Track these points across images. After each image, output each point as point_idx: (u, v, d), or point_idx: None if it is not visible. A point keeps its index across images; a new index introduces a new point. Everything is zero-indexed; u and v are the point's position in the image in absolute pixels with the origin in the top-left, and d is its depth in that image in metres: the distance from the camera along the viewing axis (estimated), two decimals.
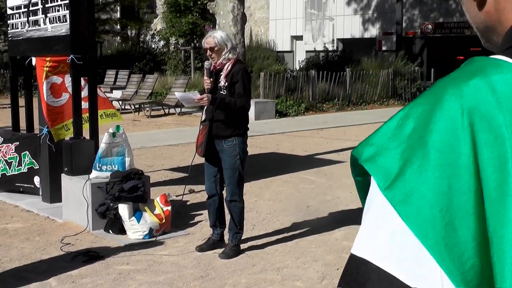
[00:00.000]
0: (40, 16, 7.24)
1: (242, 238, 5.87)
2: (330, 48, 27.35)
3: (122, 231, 6.19)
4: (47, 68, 7.09)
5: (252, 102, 16.83)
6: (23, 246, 5.95)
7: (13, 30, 7.78)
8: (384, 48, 29.26)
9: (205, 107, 5.60)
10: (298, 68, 24.95)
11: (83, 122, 7.03)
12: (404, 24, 28.63)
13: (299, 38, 32.52)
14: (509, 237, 0.74)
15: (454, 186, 0.76)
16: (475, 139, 0.77)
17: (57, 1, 6.92)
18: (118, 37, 32.61)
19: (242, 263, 5.49)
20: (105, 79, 21.81)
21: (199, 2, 26.51)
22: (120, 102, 18.56)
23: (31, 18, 7.41)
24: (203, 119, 5.66)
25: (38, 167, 7.58)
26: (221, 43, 5.48)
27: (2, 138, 7.92)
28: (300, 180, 8.94)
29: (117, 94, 19.92)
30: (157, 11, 36.71)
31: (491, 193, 0.75)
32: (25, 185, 7.72)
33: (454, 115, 0.78)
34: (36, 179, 7.63)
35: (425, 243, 0.75)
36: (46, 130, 7.22)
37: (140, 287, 4.96)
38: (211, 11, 18.15)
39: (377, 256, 0.78)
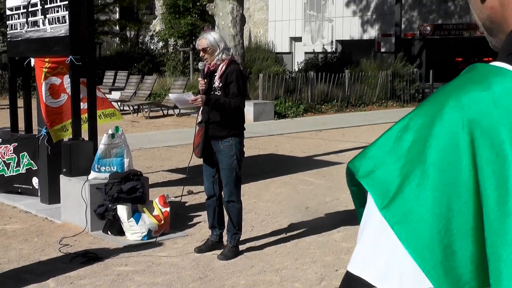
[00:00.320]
0: (39, 17, 7.24)
1: (241, 239, 5.87)
2: (329, 50, 27.37)
3: (120, 232, 6.18)
4: (46, 69, 7.08)
5: (251, 103, 16.85)
6: (22, 247, 5.95)
7: (12, 31, 7.77)
8: (383, 50, 29.28)
9: (201, 109, 5.61)
10: (297, 69, 24.97)
11: (81, 123, 7.02)
12: (403, 26, 28.66)
13: (298, 39, 32.53)
14: (507, 258, 0.71)
15: (453, 206, 0.74)
16: (475, 156, 0.74)
17: (56, 2, 6.92)
18: (117, 38, 32.60)
19: (241, 264, 5.49)
20: (104, 80, 21.81)
21: (198, 3, 26.54)
22: (119, 103, 18.54)
23: (30, 18, 7.41)
24: (199, 120, 5.67)
25: (36, 168, 7.57)
26: (214, 44, 5.50)
27: (1, 139, 7.91)
28: (299, 181, 8.94)
29: (115, 95, 19.91)
30: (156, 12, 36.72)
31: (491, 212, 0.73)
32: (24, 186, 7.71)
33: (454, 129, 0.76)
34: (35, 180, 7.62)
35: (422, 267, 0.73)
36: (45, 131, 7.21)
37: None
38: (210, 12, 18.16)
39: (375, 277, 0.76)
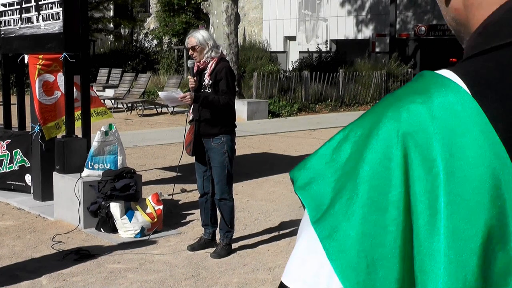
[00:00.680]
0: (33, 14, 7.22)
1: (234, 237, 5.88)
2: (324, 49, 27.38)
3: (113, 229, 6.18)
4: (40, 66, 7.07)
5: (245, 102, 16.85)
6: (14, 244, 5.93)
7: (5, 27, 7.75)
8: (377, 50, 29.31)
9: (192, 107, 5.64)
10: (291, 68, 24.97)
11: (75, 121, 7.01)
12: (397, 26, 28.71)
13: (293, 38, 32.54)
14: (435, 277, 0.70)
15: (380, 224, 0.72)
16: (408, 172, 0.72)
17: None
18: (111, 36, 32.54)
19: (234, 263, 5.49)
20: (98, 78, 21.76)
21: (192, 2, 26.52)
22: (113, 101, 18.52)
23: (24, 15, 7.38)
24: (190, 118, 5.69)
25: (29, 165, 7.55)
26: (202, 42, 5.53)
27: None
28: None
29: (109, 92, 19.88)
30: (150, 10, 36.67)
31: (420, 231, 0.71)
32: (16, 183, 7.69)
33: (388, 143, 0.73)
34: (28, 177, 7.60)
35: (344, 284, 0.72)
36: (38, 128, 7.19)
37: (131, 286, 4.95)
38: (204, 11, 18.16)
39: None
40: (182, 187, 8.13)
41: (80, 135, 6.95)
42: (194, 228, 6.48)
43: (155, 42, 29.57)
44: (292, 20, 32.43)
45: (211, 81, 5.52)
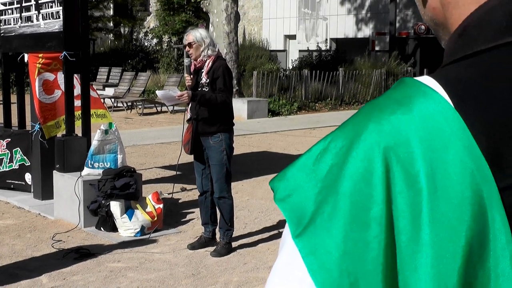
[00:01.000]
0: (33, 12, 7.22)
1: (234, 236, 5.88)
2: (323, 48, 27.37)
3: (113, 228, 6.18)
4: (40, 65, 7.07)
5: (245, 100, 16.85)
6: (14, 243, 5.93)
7: (5, 26, 7.75)
8: (377, 48, 29.29)
9: (189, 106, 5.66)
10: (291, 67, 24.96)
11: (75, 120, 7.01)
12: (397, 25, 28.69)
13: (293, 37, 32.53)
14: None
15: (363, 241, 0.70)
16: (390, 187, 0.71)
17: None
18: (111, 35, 32.52)
19: (234, 261, 5.50)
20: (98, 77, 21.76)
21: (192, 1, 26.51)
22: (113, 100, 18.52)
23: (24, 14, 7.38)
24: (188, 117, 5.71)
25: (29, 164, 7.55)
26: (199, 40, 5.56)
27: None
28: None
29: (109, 91, 19.87)
30: (150, 9, 36.64)
31: (403, 247, 0.70)
32: (16, 182, 7.69)
33: (370, 157, 0.72)
34: (27, 176, 7.60)
35: None
36: (38, 126, 7.19)
37: (132, 284, 4.95)
38: (204, 10, 18.16)
39: None
40: (182, 186, 8.13)
41: (80, 134, 6.95)
42: (194, 227, 6.48)
43: (155, 41, 29.56)
44: (292, 19, 32.41)
45: (208, 80, 5.54)
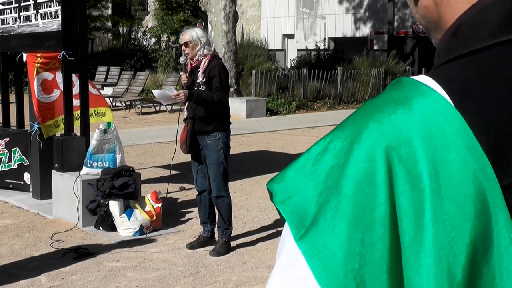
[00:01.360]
0: (31, 12, 7.21)
1: (233, 235, 5.88)
2: (322, 47, 27.38)
3: (112, 228, 6.18)
4: (38, 64, 7.06)
5: (243, 100, 16.85)
6: (13, 243, 5.93)
7: (3, 26, 7.74)
8: (375, 47, 29.31)
9: (186, 105, 5.67)
10: (289, 66, 24.97)
11: (73, 119, 7.01)
12: (395, 24, 28.70)
13: (291, 36, 32.52)
14: None
15: (367, 241, 0.70)
16: (392, 187, 0.70)
17: None
18: (110, 34, 32.50)
19: (233, 261, 5.50)
20: (96, 76, 21.75)
21: (190, 0, 26.49)
22: (111, 99, 18.50)
23: (22, 13, 7.38)
24: (184, 117, 5.72)
25: (28, 163, 7.55)
26: (195, 39, 5.57)
27: None
28: None
29: (108, 91, 19.86)
30: (148, 8, 36.63)
31: (406, 246, 0.70)
32: (15, 181, 7.69)
33: (371, 157, 0.71)
34: (26, 176, 7.60)
35: None
36: (37, 126, 7.19)
37: (131, 284, 4.95)
38: (203, 9, 18.15)
39: None
40: (181, 185, 8.14)
41: (78, 133, 6.95)
42: (193, 226, 6.49)
43: (153, 40, 29.55)
44: (290, 18, 32.41)
45: (204, 79, 5.56)
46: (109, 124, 6.68)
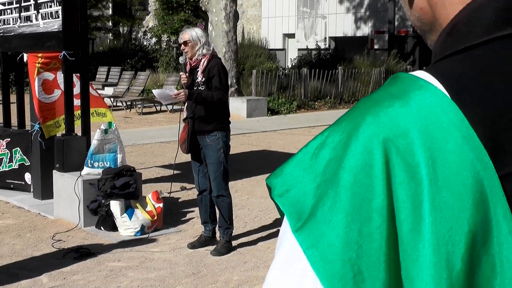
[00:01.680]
0: (32, 12, 7.22)
1: (234, 235, 5.88)
2: (322, 46, 27.37)
3: (113, 228, 6.18)
4: (39, 64, 7.07)
5: (244, 99, 16.85)
6: (14, 243, 5.93)
7: (4, 26, 7.74)
8: (376, 47, 29.29)
9: (186, 104, 5.68)
10: (290, 66, 24.96)
11: (74, 119, 7.01)
12: (396, 23, 28.68)
13: (291, 36, 32.52)
14: (419, 283, 0.70)
15: (365, 232, 0.70)
16: (390, 178, 0.71)
17: None
18: (110, 34, 32.51)
19: (234, 260, 5.50)
20: (97, 76, 21.75)
21: (191, 0, 26.48)
22: (112, 99, 18.51)
23: (23, 14, 7.38)
24: (184, 116, 5.72)
25: (29, 163, 7.56)
26: (195, 38, 5.59)
27: None
28: None
29: (108, 91, 19.87)
30: (149, 8, 36.62)
31: (404, 237, 0.70)
32: (16, 181, 7.69)
33: (369, 149, 0.72)
34: (27, 176, 7.60)
35: None
36: (38, 126, 7.20)
37: (132, 284, 4.95)
38: (203, 9, 18.14)
39: None
40: (182, 185, 8.14)
41: (79, 133, 6.95)
42: (194, 226, 6.49)
43: (154, 40, 29.55)
44: (291, 18, 32.40)
45: (204, 78, 5.57)
46: (110, 124, 6.68)
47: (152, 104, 18.25)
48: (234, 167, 8.81)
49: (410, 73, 0.78)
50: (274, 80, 19.26)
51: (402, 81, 0.77)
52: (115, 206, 6.08)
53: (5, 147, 7.72)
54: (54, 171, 6.79)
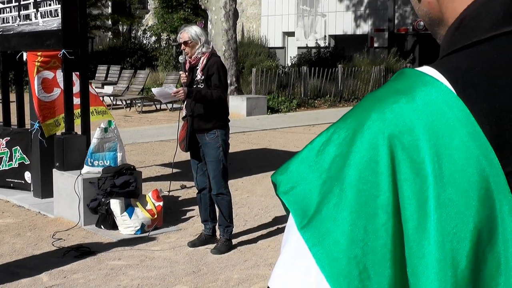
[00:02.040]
0: (31, 11, 7.21)
1: (234, 233, 5.88)
2: (322, 45, 27.36)
3: (114, 226, 6.18)
4: (39, 63, 7.06)
5: (244, 98, 16.84)
6: (14, 242, 5.93)
7: (3, 24, 7.74)
8: (376, 45, 29.29)
9: (185, 103, 5.67)
10: (290, 64, 24.95)
11: (74, 118, 7.01)
12: (396, 21, 28.68)
13: (291, 34, 32.51)
14: (426, 280, 0.69)
15: (370, 229, 0.70)
16: (396, 174, 0.71)
17: None
18: (110, 33, 32.50)
19: (234, 259, 5.50)
20: (97, 75, 21.75)
21: None
22: (112, 98, 18.51)
23: (22, 12, 7.37)
24: (183, 114, 5.72)
25: (29, 162, 7.55)
26: (195, 38, 5.58)
27: None
28: None
29: (108, 89, 19.86)
30: (148, 6, 36.62)
31: (410, 234, 0.70)
32: (16, 180, 7.69)
33: (374, 146, 0.72)
34: (27, 175, 7.60)
35: None
36: (38, 125, 7.19)
37: (132, 282, 4.95)
38: (203, 7, 18.13)
39: None
40: (182, 184, 8.13)
41: (79, 132, 6.95)
42: (194, 224, 6.48)
43: (153, 38, 29.54)
44: (291, 16, 32.39)
45: (203, 76, 5.57)
46: (110, 122, 6.68)
47: (152, 103, 18.25)
48: (234, 166, 8.80)
49: (416, 68, 0.78)
50: (274, 79, 19.25)
51: (408, 77, 0.77)
52: (115, 204, 6.08)
53: (5, 146, 7.72)
54: (54, 170, 6.79)
